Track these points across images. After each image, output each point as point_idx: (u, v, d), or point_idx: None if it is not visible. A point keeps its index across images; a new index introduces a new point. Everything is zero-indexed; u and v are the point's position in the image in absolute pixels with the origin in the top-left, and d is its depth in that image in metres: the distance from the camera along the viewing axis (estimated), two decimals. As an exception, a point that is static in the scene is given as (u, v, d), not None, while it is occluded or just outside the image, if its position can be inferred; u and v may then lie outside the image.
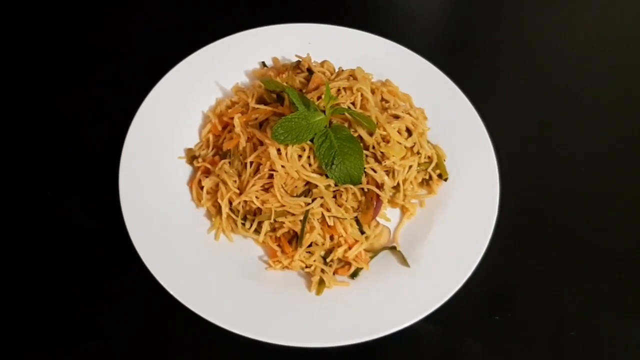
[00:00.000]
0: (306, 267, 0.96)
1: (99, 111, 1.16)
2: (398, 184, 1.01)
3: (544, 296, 1.00)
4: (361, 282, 0.95)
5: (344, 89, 1.04)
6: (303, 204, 0.95)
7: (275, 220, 0.96)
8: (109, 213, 0.98)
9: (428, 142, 1.07)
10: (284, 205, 0.95)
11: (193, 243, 0.96)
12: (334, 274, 0.95)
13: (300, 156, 0.96)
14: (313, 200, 0.94)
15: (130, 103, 1.06)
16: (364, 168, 0.96)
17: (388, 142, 1.00)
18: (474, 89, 1.15)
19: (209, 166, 1.02)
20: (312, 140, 0.95)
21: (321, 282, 0.93)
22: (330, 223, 0.96)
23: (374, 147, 0.99)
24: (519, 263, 1.04)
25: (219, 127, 1.07)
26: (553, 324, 0.98)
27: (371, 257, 0.99)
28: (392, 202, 1.03)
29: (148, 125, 1.05)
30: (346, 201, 0.96)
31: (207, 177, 1.01)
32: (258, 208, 0.97)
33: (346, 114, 0.98)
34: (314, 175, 0.96)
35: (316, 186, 0.95)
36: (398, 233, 1.02)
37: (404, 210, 1.05)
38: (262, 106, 1.02)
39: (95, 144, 1.11)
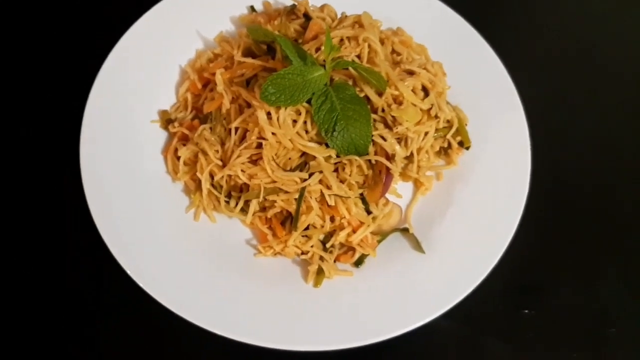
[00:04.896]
0: (302, 253, 0.86)
1: (57, 65, 1.04)
2: (411, 153, 0.91)
3: (580, 288, 0.92)
4: (367, 272, 0.86)
5: (348, 38, 0.92)
6: (298, 180, 0.83)
7: (265, 199, 0.85)
8: (68, 188, 0.87)
9: (447, 103, 0.95)
10: (275, 181, 0.84)
11: (168, 224, 0.86)
12: (335, 261, 0.86)
13: (294, 121, 0.84)
14: (310, 176, 0.83)
15: (94, 55, 0.94)
16: (372, 136, 0.85)
17: (401, 103, 0.89)
18: (500, 39, 1.02)
19: (186, 132, 0.92)
20: (309, 102, 0.83)
21: (320, 272, 0.84)
22: (331, 202, 0.84)
23: (383, 110, 0.88)
24: (551, 249, 0.94)
25: (199, 85, 0.96)
26: (590, 319, 0.89)
27: (379, 241, 0.88)
28: (403, 175, 0.93)
29: (115, 82, 0.93)
30: (350, 175, 0.85)
31: (184, 145, 0.90)
32: (245, 184, 0.86)
33: (350, 69, 0.87)
34: (312, 144, 0.84)
35: (314, 158, 0.84)
36: (411, 212, 0.92)
37: (417, 184, 0.94)
38: (249, 59, 0.91)
39: (52, 104, 0.99)
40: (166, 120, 0.93)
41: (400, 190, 0.92)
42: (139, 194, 0.86)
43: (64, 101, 0.97)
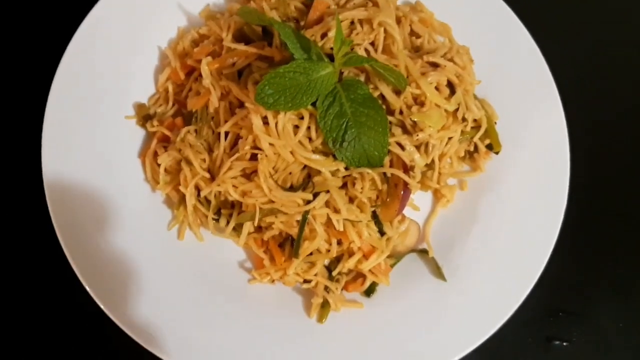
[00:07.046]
0: (305, 281, 0.75)
1: (13, 46, 0.91)
2: (432, 160, 0.78)
3: (618, 314, 0.83)
4: (379, 302, 0.76)
5: (360, 21, 0.79)
6: (301, 202, 0.71)
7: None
8: (29, 195, 0.78)
9: (474, 97, 0.82)
10: (273, 201, 0.71)
11: (147, 242, 0.75)
12: (342, 290, 0.75)
13: (296, 127, 0.71)
14: (315, 196, 0.71)
15: (57, 35, 0.82)
16: (388, 145, 0.72)
17: (422, 104, 0.76)
18: (536, 18, 0.89)
19: (167, 132, 0.79)
20: (314, 104, 0.71)
21: (325, 304, 0.73)
22: (339, 227, 0.71)
23: (402, 113, 0.75)
24: (586, 270, 0.85)
25: (182, 74, 0.83)
26: (630, 351, 0.81)
27: (392, 265, 0.77)
28: (421, 184, 0.81)
29: (82, 68, 0.80)
30: (361, 192, 0.73)
31: (165, 148, 0.78)
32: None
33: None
34: (316, 157, 0.72)
35: (319, 172, 0.71)
36: (429, 228, 0.81)
37: (438, 195, 0.83)
38: (241, 46, 0.78)
39: (7, 94, 0.87)
40: (144, 116, 0.80)
41: (418, 201, 0.81)
42: (111, 207, 0.75)
43: (22, 92, 0.85)
